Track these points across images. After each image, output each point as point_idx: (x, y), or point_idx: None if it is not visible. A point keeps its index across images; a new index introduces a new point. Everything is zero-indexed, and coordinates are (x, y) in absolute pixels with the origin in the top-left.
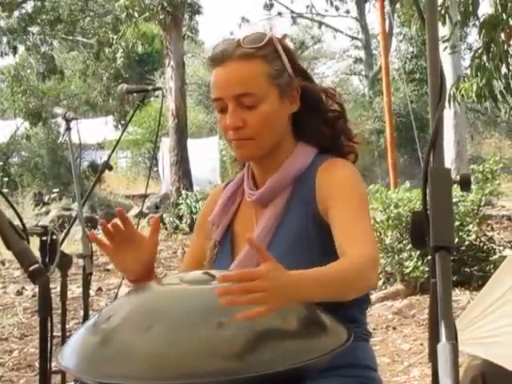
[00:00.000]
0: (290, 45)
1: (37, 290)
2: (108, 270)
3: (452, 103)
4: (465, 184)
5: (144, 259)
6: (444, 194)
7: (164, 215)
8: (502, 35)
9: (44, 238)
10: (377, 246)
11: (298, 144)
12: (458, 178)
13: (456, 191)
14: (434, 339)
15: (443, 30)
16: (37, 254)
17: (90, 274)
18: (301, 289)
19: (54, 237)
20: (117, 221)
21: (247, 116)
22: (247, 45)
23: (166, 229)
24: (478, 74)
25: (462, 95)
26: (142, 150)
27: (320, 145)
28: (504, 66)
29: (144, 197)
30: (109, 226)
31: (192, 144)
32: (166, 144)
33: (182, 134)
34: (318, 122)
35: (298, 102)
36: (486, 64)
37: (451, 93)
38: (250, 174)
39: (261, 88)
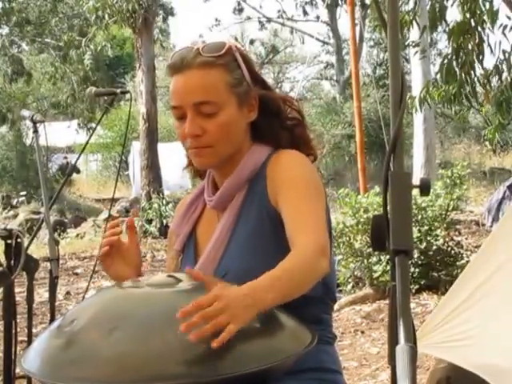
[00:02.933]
0: (255, 53)
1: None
2: (77, 274)
3: (422, 106)
4: (424, 189)
5: (131, 261)
6: (404, 199)
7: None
8: (471, 42)
9: (9, 241)
10: (326, 231)
11: (252, 146)
12: (418, 182)
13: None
14: (393, 342)
15: (414, 36)
16: (2, 257)
17: (57, 277)
18: (258, 297)
19: (19, 240)
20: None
21: (206, 124)
22: (207, 53)
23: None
24: (449, 80)
25: (431, 99)
26: (112, 153)
27: (277, 146)
28: (472, 72)
29: (112, 200)
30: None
31: (163, 148)
32: (137, 148)
33: (152, 138)
34: (277, 129)
35: (257, 110)
36: (456, 69)
37: (421, 96)
38: (211, 180)
39: (220, 96)
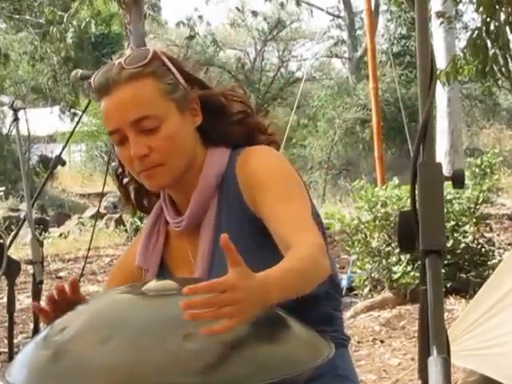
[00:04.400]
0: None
1: None
2: (60, 278)
3: (449, 81)
4: (458, 180)
5: None
6: (434, 192)
7: (123, 216)
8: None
9: None
10: (316, 229)
11: (207, 151)
12: (451, 173)
13: (449, 188)
14: (424, 353)
15: (436, 7)
16: None
17: (41, 282)
18: (268, 293)
19: (1, 241)
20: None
21: (151, 141)
22: (131, 65)
23: (126, 231)
24: (478, 55)
25: (459, 74)
26: (98, 142)
27: (232, 143)
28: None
29: (101, 195)
30: (54, 294)
31: None
32: None
33: None
34: (226, 127)
35: (200, 114)
36: (487, 42)
37: (447, 71)
38: (168, 201)
39: (158, 107)
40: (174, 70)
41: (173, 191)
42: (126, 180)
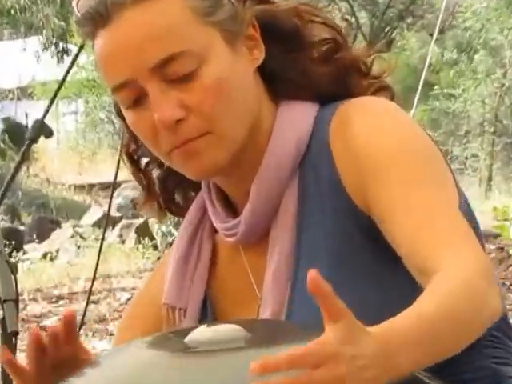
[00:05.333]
0: None
1: None
2: (45, 330)
3: None
4: None
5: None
6: None
7: (150, 222)
8: None
9: None
10: (474, 236)
11: (279, 106)
12: None
13: None
14: None
15: None
16: None
17: (15, 333)
18: (393, 361)
19: None
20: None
21: (186, 95)
22: None
23: (155, 247)
24: None
25: None
26: (104, 98)
27: (318, 94)
28: None
29: (112, 187)
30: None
31: None
32: None
33: None
34: (305, 65)
35: (262, 45)
36: None
37: None
38: (216, 195)
39: (193, 37)
40: None
41: (224, 178)
42: (145, 161)
